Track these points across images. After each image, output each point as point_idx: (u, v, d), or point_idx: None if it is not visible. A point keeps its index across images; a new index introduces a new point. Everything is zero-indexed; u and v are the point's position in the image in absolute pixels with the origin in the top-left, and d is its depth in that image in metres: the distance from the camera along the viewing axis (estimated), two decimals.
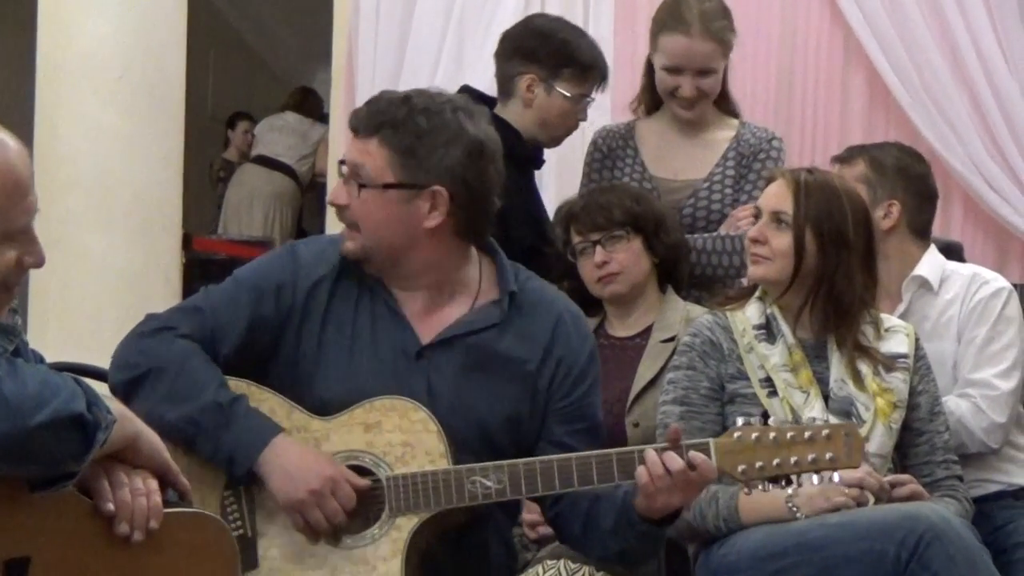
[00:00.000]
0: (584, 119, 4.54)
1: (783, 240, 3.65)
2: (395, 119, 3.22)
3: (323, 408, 3.24)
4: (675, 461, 3.07)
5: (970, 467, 3.99)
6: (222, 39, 12.25)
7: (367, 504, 3.18)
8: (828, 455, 3.07)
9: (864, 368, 3.66)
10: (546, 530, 3.72)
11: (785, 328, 3.67)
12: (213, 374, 3.22)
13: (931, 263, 4.16)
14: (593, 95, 4.53)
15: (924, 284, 4.11)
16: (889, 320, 3.80)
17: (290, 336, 3.30)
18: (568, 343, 3.37)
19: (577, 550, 3.40)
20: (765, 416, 3.45)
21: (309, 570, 3.17)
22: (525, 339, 3.33)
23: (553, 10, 6.16)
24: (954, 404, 3.97)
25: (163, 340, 3.26)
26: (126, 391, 3.21)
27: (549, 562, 3.55)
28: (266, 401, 3.24)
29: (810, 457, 3.07)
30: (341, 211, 3.29)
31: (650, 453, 3.09)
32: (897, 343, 3.74)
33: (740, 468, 3.08)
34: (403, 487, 3.15)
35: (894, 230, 4.15)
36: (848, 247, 3.65)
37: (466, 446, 3.23)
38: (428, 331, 3.32)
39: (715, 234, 4.41)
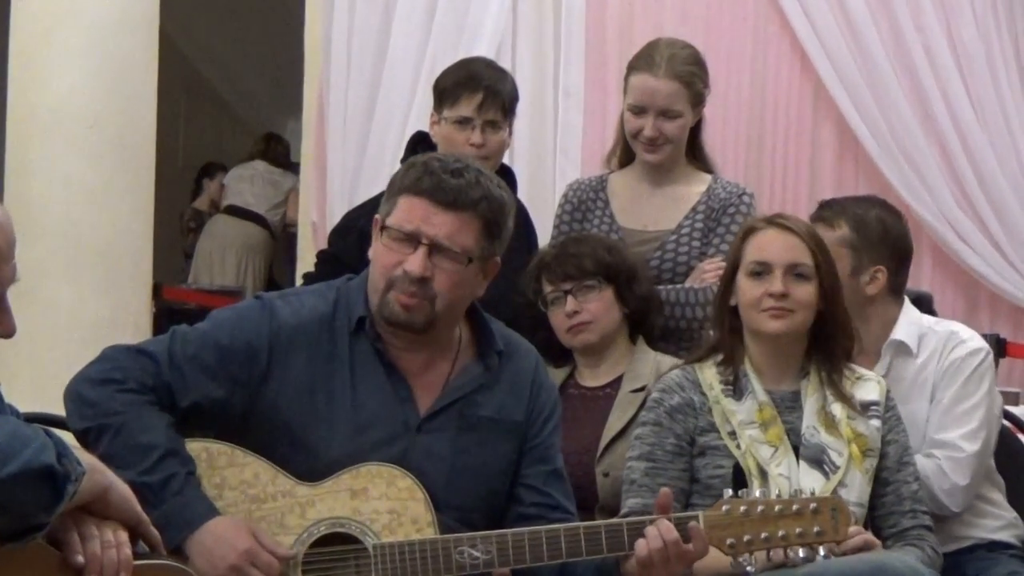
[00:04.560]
0: (477, 141, 4.46)
1: (806, 291, 3.69)
2: (489, 192, 3.25)
3: (314, 473, 3.20)
4: (671, 532, 3.11)
5: (946, 524, 3.99)
6: (193, 89, 12.27)
7: (354, 571, 3.14)
8: (815, 529, 3.10)
9: (838, 413, 3.67)
10: None
11: (756, 384, 3.69)
12: (149, 443, 3.12)
13: (908, 324, 4.13)
14: (476, 113, 4.47)
15: (903, 348, 4.11)
16: (860, 369, 3.82)
17: (268, 397, 3.24)
18: (543, 386, 3.43)
19: None
20: (737, 468, 3.48)
21: None
22: (512, 391, 3.37)
23: (524, 67, 6.20)
24: (920, 463, 3.92)
25: (106, 394, 3.17)
26: (76, 437, 3.17)
27: None
28: (249, 466, 3.20)
29: (797, 531, 3.10)
30: (420, 283, 3.21)
31: (651, 528, 3.12)
32: (868, 391, 3.76)
33: (728, 541, 3.11)
34: (390, 556, 3.12)
35: (877, 295, 4.12)
36: (842, 293, 3.76)
37: (468, 506, 3.25)
38: (424, 392, 3.32)
39: (681, 286, 4.42)
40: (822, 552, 3.14)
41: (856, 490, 3.62)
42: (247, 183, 11.08)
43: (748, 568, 3.31)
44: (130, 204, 6.68)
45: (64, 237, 6.48)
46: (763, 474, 3.57)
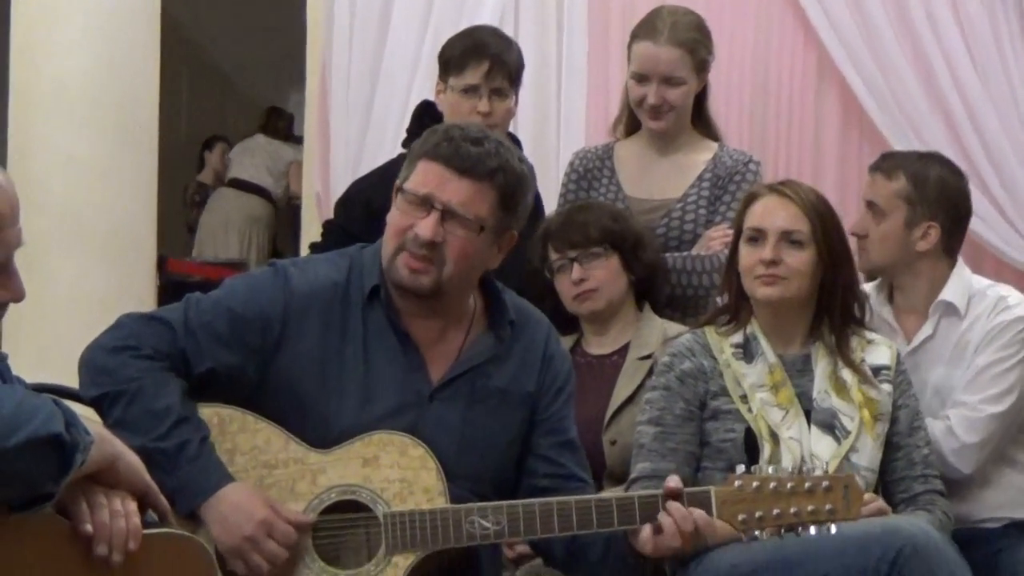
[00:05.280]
0: (484, 110, 4.48)
1: (799, 258, 3.68)
2: (507, 164, 3.23)
3: (326, 441, 3.20)
4: (687, 521, 3.11)
5: (985, 498, 4.01)
6: (195, 63, 12.25)
7: (365, 538, 3.15)
8: (827, 506, 3.10)
9: (848, 378, 3.68)
10: (524, 548, 3.72)
11: (766, 347, 3.70)
12: (165, 408, 3.13)
13: (958, 284, 4.10)
14: (483, 81, 4.50)
15: (951, 309, 4.08)
16: (870, 333, 3.82)
17: (282, 365, 3.24)
18: (555, 356, 3.42)
19: (564, 573, 3.40)
20: (748, 433, 3.48)
21: None
22: (524, 363, 3.36)
23: (526, 38, 6.17)
24: (929, 426, 3.90)
25: (121, 361, 3.18)
26: (91, 404, 3.18)
27: None
28: (261, 431, 3.20)
29: (809, 508, 3.10)
30: (430, 248, 3.20)
31: (666, 520, 3.11)
32: (880, 355, 3.77)
33: (740, 518, 3.11)
34: (400, 525, 3.12)
35: (928, 252, 4.10)
36: (849, 257, 3.75)
37: (479, 477, 3.25)
38: (437, 362, 3.31)
39: (688, 254, 4.42)
40: (833, 530, 3.13)
41: (867, 455, 3.62)
42: (249, 156, 11.09)
43: (756, 532, 3.33)
44: (133, 179, 6.68)
45: (68, 212, 6.48)
46: (774, 438, 3.58)
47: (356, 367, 3.26)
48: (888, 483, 3.71)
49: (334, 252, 3.44)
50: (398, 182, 3.28)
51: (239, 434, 3.20)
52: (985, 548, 3.92)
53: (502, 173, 3.22)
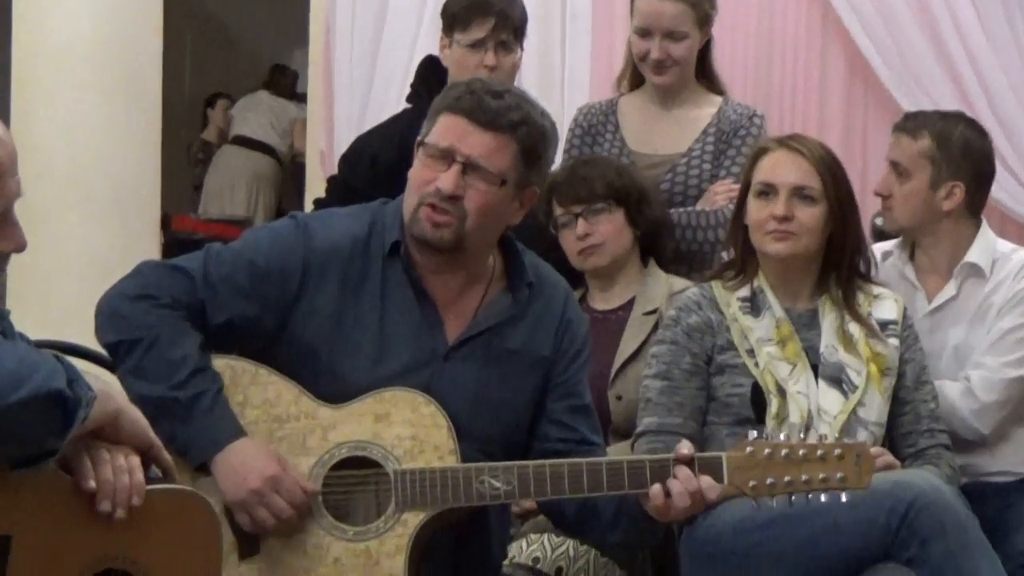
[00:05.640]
0: (491, 63, 4.46)
1: (811, 214, 3.67)
2: (530, 118, 3.19)
3: (338, 397, 3.18)
4: (690, 480, 3.08)
5: (1000, 459, 4.01)
6: (198, 21, 12.23)
7: (375, 495, 3.14)
8: (839, 474, 3.07)
9: (856, 332, 3.67)
10: (531, 504, 3.71)
11: (773, 301, 3.69)
12: (182, 357, 3.13)
13: (983, 246, 4.09)
14: (488, 35, 4.48)
15: (975, 270, 4.07)
16: (876, 288, 3.81)
17: (298, 319, 3.21)
18: (572, 321, 3.38)
19: (572, 535, 3.40)
20: (756, 387, 3.46)
21: (311, 560, 3.11)
22: (539, 325, 3.33)
23: None
24: (947, 387, 3.92)
25: (140, 309, 3.16)
26: (107, 350, 3.19)
27: (532, 536, 3.57)
28: (273, 385, 3.18)
29: (821, 476, 3.07)
30: (451, 201, 3.15)
31: (675, 484, 3.08)
32: (886, 309, 3.76)
33: (751, 484, 3.09)
34: (411, 482, 3.10)
35: (952, 212, 4.08)
36: (856, 212, 3.74)
37: (490, 438, 3.23)
38: (454, 320, 3.28)
39: (692, 208, 4.42)
40: (844, 498, 3.12)
41: (875, 410, 3.62)
42: (253, 113, 11.07)
43: (767, 498, 3.32)
44: (137, 138, 6.69)
45: (71, 171, 6.48)
46: (781, 392, 3.57)
47: (372, 323, 3.23)
48: (894, 437, 3.70)
49: (356, 206, 3.39)
50: (419, 137, 3.24)
51: (251, 387, 3.18)
52: (996, 502, 3.93)
53: (525, 126, 3.18)
